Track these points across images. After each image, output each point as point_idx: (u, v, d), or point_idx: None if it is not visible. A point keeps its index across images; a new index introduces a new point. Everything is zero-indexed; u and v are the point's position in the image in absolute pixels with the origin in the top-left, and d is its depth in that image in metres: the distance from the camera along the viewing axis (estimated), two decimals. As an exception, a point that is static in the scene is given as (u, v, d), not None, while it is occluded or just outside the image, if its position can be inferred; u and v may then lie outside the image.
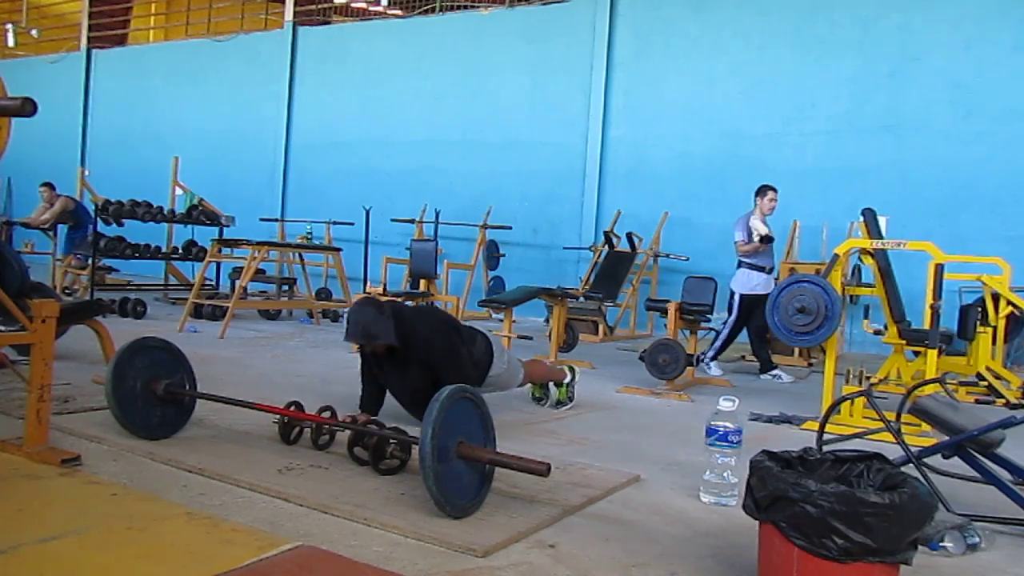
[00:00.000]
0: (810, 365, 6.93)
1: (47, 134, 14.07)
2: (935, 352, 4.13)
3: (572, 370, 4.34)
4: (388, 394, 3.55)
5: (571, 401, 4.27)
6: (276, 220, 11.85)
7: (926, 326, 4.26)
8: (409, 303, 3.91)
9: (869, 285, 5.23)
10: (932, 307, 4.06)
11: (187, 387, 3.11)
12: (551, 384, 4.27)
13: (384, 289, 6.40)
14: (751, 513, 1.86)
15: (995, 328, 5.33)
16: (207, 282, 8.12)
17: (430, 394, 2.34)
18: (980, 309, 5.40)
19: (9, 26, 17.42)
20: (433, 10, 12.61)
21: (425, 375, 3.33)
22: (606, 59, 10.14)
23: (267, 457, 2.82)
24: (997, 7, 8.09)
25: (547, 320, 7.62)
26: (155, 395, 2.98)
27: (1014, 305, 5.19)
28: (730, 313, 6.06)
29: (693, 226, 9.45)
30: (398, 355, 3.34)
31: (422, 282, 7.06)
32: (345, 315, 8.10)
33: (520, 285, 6.45)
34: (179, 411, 3.10)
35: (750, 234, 5.94)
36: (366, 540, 2.12)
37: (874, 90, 8.61)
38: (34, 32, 17.64)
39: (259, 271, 7.87)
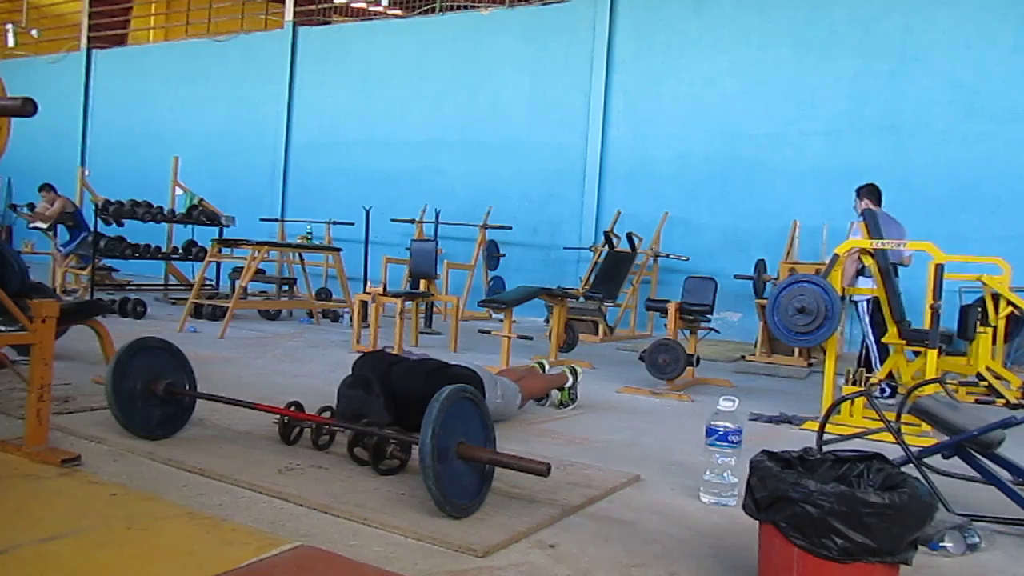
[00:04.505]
0: (810, 365, 6.93)
1: (47, 134, 14.08)
2: (935, 352, 4.13)
3: (574, 372, 4.31)
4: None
5: (573, 403, 4.27)
6: (276, 220, 11.85)
7: (926, 326, 4.26)
8: (397, 354, 3.67)
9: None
10: (932, 307, 4.06)
11: (187, 387, 3.11)
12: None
13: (384, 289, 6.39)
14: (751, 513, 1.86)
15: (995, 328, 5.33)
16: (207, 282, 8.12)
17: None
18: (980, 309, 5.41)
19: (9, 26, 17.43)
20: (433, 10, 12.61)
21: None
22: (606, 59, 10.14)
23: (267, 457, 2.82)
24: (997, 7, 8.09)
25: (547, 320, 7.62)
26: (155, 395, 2.98)
27: (1014, 305, 5.19)
28: None
29: (693, 226, 9.45)
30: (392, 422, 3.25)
31: (422, 282, 7.06)
32: (345, 314, 8.11)
33: (520, 285, 6.45)
34: (179, 411, 3.10)
35: None
36: (366, 540, 2.12)
37: (874, 90, 8.61)
38: (34, 32, 17.65)
39: (259, 271, 7.86)
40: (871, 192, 5.65)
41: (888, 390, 5.07)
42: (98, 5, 16.17)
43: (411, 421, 2.98)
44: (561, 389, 4.23)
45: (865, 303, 5.34)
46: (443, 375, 3.35)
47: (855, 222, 5.22)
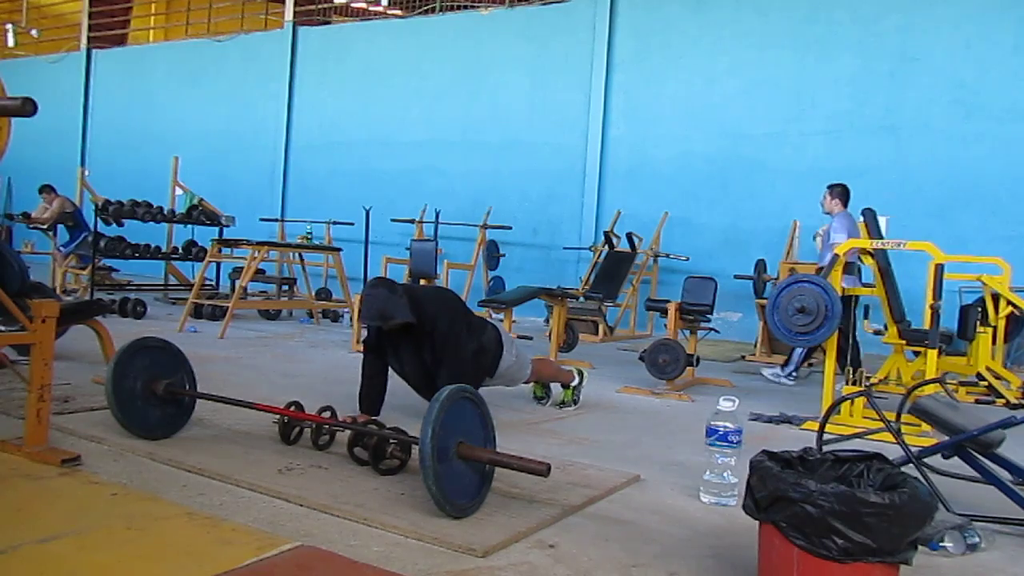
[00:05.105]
0: (810, 365, 6.92)
1: (47, 134, 14.07)
2: (935, 352, 4.13)
3: (581, 373, 4.31)
4: (387, 394, 3.53)
5: (575, 404, 4.26)
6: (276, 220, 11.85)
7: (926, 326, 4.26)
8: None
9: (869, 285, 5.23)
10: (932, 307, 4.06)
11: (187, 387, 3.11)
12: (557, 385, 4.26)
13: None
14: (751, 513, 1.86)
15: (995, 328, 5.33)
16: (207, 282, 8.12)
17: None
18: (980, 309, 5.40)
19: (9, 26, 17.43)
20: (433, 10, 12.61)
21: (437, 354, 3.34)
22: (606, 59, 10.14)
23: (267, 457, 2.82)
24: (997, 7, 8.09)
25: (547, 320, 7.62)
26: (155, 395, 2.98)
27: (1014, 305, 5.19)
28: None
29: (693, 226, 9.45)
30: (414, 332, 3.32)
31: (422, 282, 7.06)
32: (345, 314, 8.11)
33: (520, 285, 6.45)
34: (179, 411, 3.10)
35: None
36: (366, 540, 2.12)
37: (874, 90, 8.61)
38: (34, 32, 17.64)
39: (259, 271, 7.86)
40: (843, 193, 5.80)
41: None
42: (98, 5, 16.16)
43: (425, 329, 3.25)
44: (566, 387, 4.23)
45: None
46: (461, 314, 3.50)
47: (859, 220, 5.23)
